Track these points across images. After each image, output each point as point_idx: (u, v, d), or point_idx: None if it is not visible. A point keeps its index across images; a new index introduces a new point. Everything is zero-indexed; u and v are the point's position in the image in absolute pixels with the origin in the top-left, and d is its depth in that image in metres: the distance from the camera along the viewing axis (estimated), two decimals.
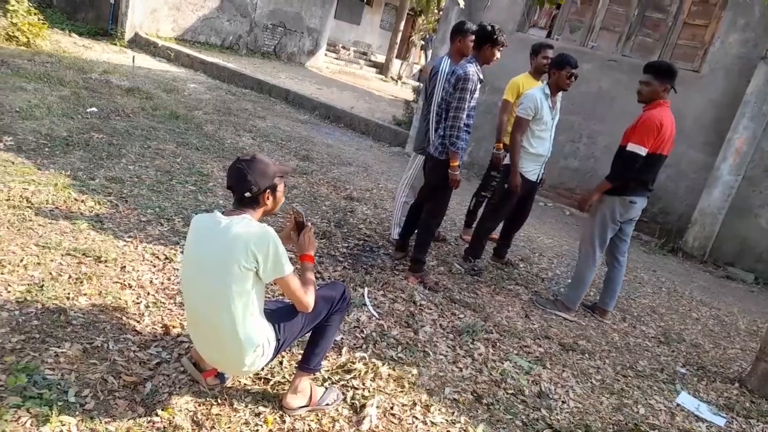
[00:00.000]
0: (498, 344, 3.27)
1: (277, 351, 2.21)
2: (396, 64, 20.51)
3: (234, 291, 1.99)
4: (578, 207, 4.06)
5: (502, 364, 3.07)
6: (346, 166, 6.73)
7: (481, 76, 3.76)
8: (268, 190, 2.13)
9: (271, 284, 2.40)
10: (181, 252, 3.44)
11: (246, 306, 2.03)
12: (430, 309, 3.53)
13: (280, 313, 2.24)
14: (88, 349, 2.39)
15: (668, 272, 5.83)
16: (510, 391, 2.83)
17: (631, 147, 3.62)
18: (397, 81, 19.63)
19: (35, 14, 9.03)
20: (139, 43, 11.63)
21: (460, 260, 4.49)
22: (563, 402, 2.86)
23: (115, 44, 11.21)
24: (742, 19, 6.34)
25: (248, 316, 2.05)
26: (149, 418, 2.12)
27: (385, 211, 5.33)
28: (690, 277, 5.89)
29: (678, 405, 3.10)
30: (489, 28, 3.72)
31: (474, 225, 5.19)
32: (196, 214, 4.01)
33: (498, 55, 3.82)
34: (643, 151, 3.60)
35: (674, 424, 2.91)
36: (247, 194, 2.08)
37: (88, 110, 5.94)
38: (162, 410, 2.15)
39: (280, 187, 2.20)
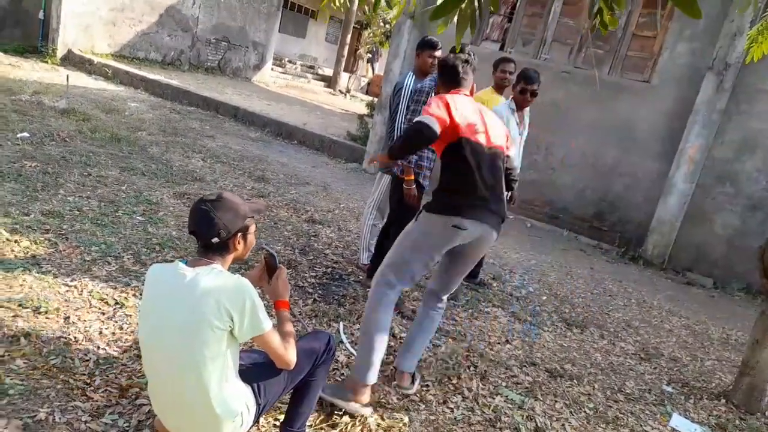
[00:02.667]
0: (486, 377, 3.09)
1: (258, 416, 1.93)
2: (344, 77, 20.37)
3: (206, 356, 1.70)
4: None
5: (494, 399, 2.89)
6: (304, 186, 6.45)
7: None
8: (238, 234, 1.86)
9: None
10: (134, 295, 3.09)
11: (221, 371, 1.75)
12: None
13: (257, 370, 1.96)
14: (30, 425, 2.03)
15: (633, 281, 5.86)
16: (506, 431, 2.64)
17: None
18: (345, 94, 19.47)
19: None
20: (72, 61, 10.95)
21: None
22: None
23: (47, 62, 10.51)
24: (687, 29, 6.51)
25: (224, 382, 1.76)
26: None
27: (349, 233, 5.09)
28: (654, 285, 5.93)
29: (673, 429, 3.00)
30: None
31: None
32: (146, 248, 3.70)
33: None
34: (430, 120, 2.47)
35: None
36: (215, 240, 1.80)
37: (18, 136, 5.42)
38: None
39: (252, 229, 1.94)
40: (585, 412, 2.99)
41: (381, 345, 2.55)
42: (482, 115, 2.66)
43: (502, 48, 7.83)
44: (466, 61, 2.78)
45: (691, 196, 6.47)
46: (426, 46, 3.90)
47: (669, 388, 3.49)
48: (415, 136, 2.49)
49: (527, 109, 4.11)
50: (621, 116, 6.91)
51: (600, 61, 7.17)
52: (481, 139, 2.56)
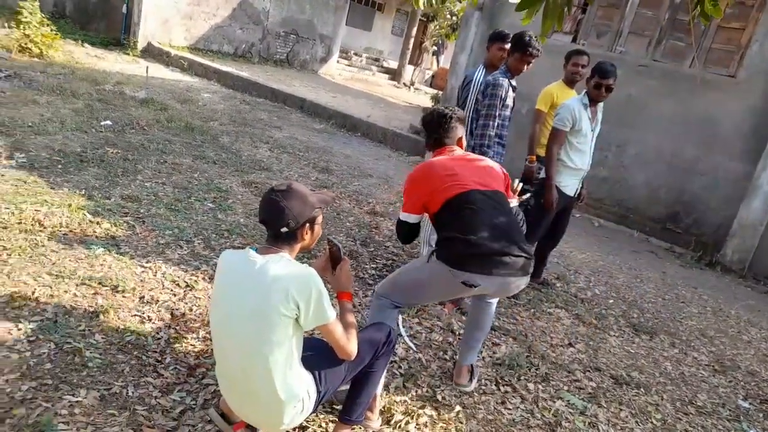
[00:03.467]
0: (547, 379, 3.01)
1: (318, 403, 1.97)
2: (408, 70, 20.30)
3: (273, 342, 1.75)
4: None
5: (554, 403, 2.81)
6: (367, 178, 6.49)
7: (514, 84, 3.55)
8: (306, 224, 1.89)
9: None
10: (203, 279, 3.22)
11: (286, 357, 1.79)
12: None
13: (318, 358, 1.99)
14: (106, 397, 2.16)
15: (709, 288, 5.53)
16: None
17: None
18: (410, 87, 19.41)
19: (48, 25, 8.89)
20: (152, 53, 11.50)
21: None
22: None
23: (128, 54, 11.08)
24: None
25: (288, 368, 1.80)
26: None
27: None
28: (732, 293, 5.57)
29: None
30: (526, 37, 3.53)
31: None
32: (216, 234, 3.84)
33: (525, 67, 3.63)
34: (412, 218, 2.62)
35: None
36: (284, 229, 1.84)
37: (102, 123, 5.76)
38: None
39: (319, 220, 1.97)
40: (652, 422, 2.85)
41: None
42: (469, 164, 2.51)
43: (574, 40, 7.55)
44: (446, 116, 2.59)
45: None
46: (497, 38, 3.80)
47: (746, 404, 3.27)
48: (401, 236, 2.65)
49: (600, 104, 3.94)
50: (702, 112, 6.50)
51: (681, 55, 6.78)
52: (472, 186, 2.40)
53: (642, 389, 3.15)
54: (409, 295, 2.55)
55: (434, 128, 2.63)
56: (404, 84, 19.59)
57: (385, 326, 2.18)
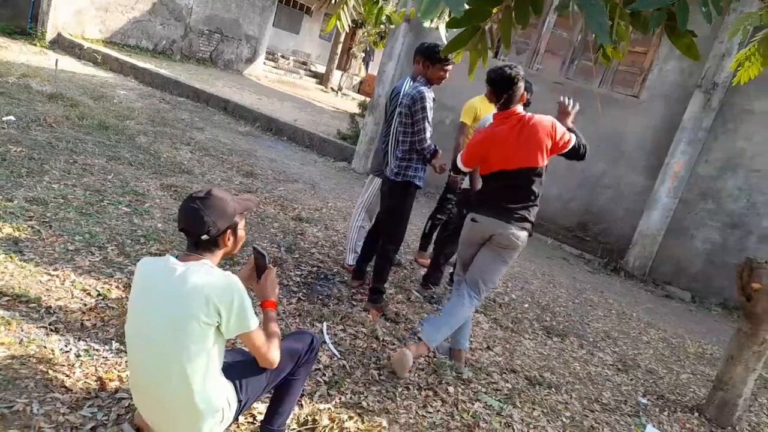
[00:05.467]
0: (466, 382, 3.11)
1: (239, 413, 1.93)
2: (336, 75, 20.32)
3: (192, 350, 1.71)
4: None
5: (473, 405, 2.91)
6: (293, 183, 6.44)
7: (433, 96, 3.65)
8: (228, 230, 1.86)
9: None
10: (117, 287, 3.07)
11: (206, 367, 1.75)
12: (394, 344, 3.32)
13: (239, 367, 1.96)
14: (7, 416, 2.01)
15: (614, 293, 5.94)
16: None
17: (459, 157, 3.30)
18: (337, 92, 19.43)
19: None
20: (62, 45, 10.79)
21: (419, 287, 4.32)
22: None
23: (35, 45, 10.34)
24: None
25: (207, 378, 1.76)
26: None
27: (336, 233, 5.09)
28: (634, 297, 6.02)
29: None
30: (431, 46, 3.64)
31: (429, 248, 5.08)
32: (131, 240, 3.67)
33: (443, 74, 3.73)
34: (463, 167, 3.27)
35: None
36: (204, 237, 1.80)
37: (4, 119, 5.34)
38: None
39: (241, 225, 1.94)
40: (562, 420, 3.03)
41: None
42: (519, 139, 2.98)
43: (495, 56, 7.88)
44: (514, 80, 2.97)
45: (673, 211, 6.58)
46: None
47: (644, 400, 3.55)
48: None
49: None
50: (609, 129, 6.99)
51: (591, 74, 7.26)
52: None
53: (553, 389, 3.34)
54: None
55: (502, 90, 2.99)
56: (332, 89, 19.58)
57: (307, 334, 2.18)
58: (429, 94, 3.53)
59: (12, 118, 5.43)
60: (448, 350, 3.35)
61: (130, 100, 8.13)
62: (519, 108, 3.05)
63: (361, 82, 22.41)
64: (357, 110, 12.61)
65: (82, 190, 4.22)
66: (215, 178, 5.62)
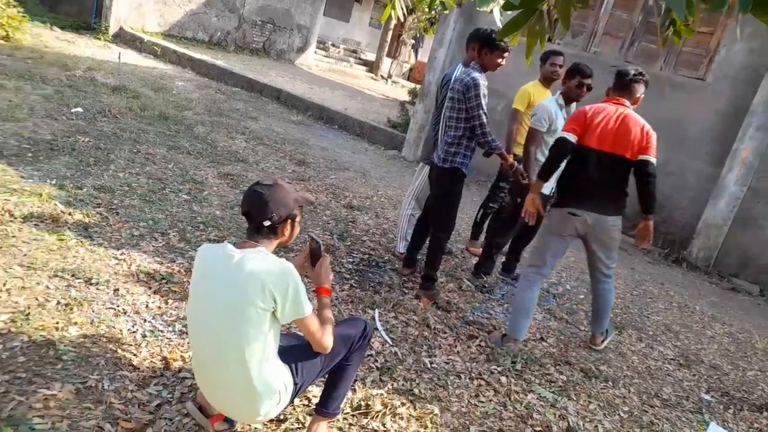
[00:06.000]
0: (520, 373, 3.08)
1: (294, 396, 1.99)
2: (386, 62, 20.28)
3: (250, 335, 1.76)
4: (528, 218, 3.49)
5: (526, 396, 2.88)
6: (344, 171, 6.50)
7: (486, 82, 3.57)
8: (288, 220, 1.91)
9: None
10: (179, 271, 3.19)
11: (262, 351, 1.80)
12: (445, 333, 3.32)
13: (295, 351, 2.01)
14: (81, 390, 2.14)
15: (675, 285, 5.70)
16: (538, 428, 2.64)
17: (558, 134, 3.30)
18: (387, 80, 19.40)
19: (15, 7, 8.61)
20: (123, 38, 11.24)
21: (470, 276, 4.29)
22: None
23: (99, 39, 10.82)
24: (748, 27, 6.22)
25: (264, 361, 1.82)
26: None
27: (387, 221, 5.11)
28: (697, 289, 5.76)
29: None
30: (488, 32, 3.55)
31: (480, 237, 5.02)
32: (191, 227, 3.81)
33: (501, 61, 3.64)
34: (569, 136, 3.13)
35: None
36: (266, 223, 1.85)
37: (72, 110, 5.62)
38: None
39: (299, 218, 1.98)
40: (619, 414, 2.95)
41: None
42: (617, 128, 3.12)
43: (549, 39, 7.65)
44: (639, 78, 3.27)
45: (741, 200, 6.22)
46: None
47: (708, 397, 3.41)
48: (554, 153, 3.25)
49: (574, 104, 4.02)
50: (672, 114, 6.66)
51: (653, 57, 6.94)
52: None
53: (610, 382, 3.26)
54: (542, 250, 3.43)
55: (622, 80, 3.28)
56: (381, 76, 19.57)
57: (360, 321, 2.21)
58: (483, 81, 3.48)
59: (80, 109, 5.71)
60: (500, 338, 3.33)
61: (187, 91, 8.39)
62: (628, 104, 3.22)
63: (410, 70, 22.27)
64: (407, 98, 12.55)
65: (146, 178, 4.40)
66: (269, 167, 5.74)
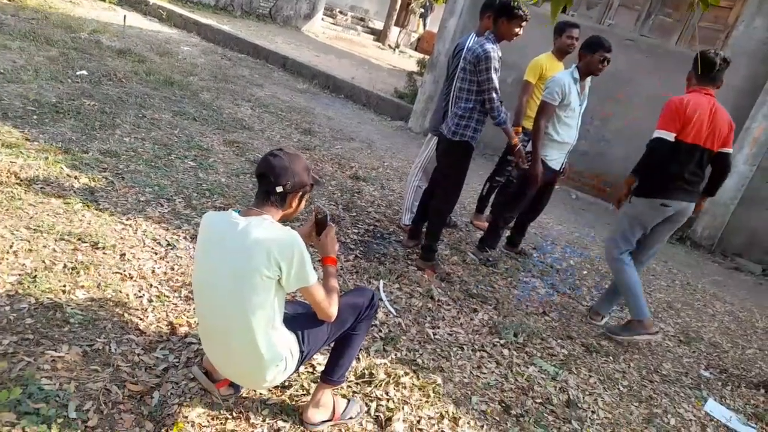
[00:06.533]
0: (521, 346, 3.10)
1: (300, 363, 2.01)
2: (394, 31, 19.90)
3: (255, 302, 1.77)
4: (614, 204, 3.65)
5: (528, 368, 2.91)
6: (349, 142, 6.45)
7: (500, 54, 3.50)
8: (299, 192, 1.90)
9: None
10: (185, 238, 3.20)
11: (268, 318, 1.81)
12: (449, 305, 3.34)
13: (302, 319, 2.03)
14: (89, 353, 2.17)
15: (679, 263, 5.70)
16: (538, 400, 2.67)
17: (655, 133, 3.23)
18: (395, 49, 19.08)
19: None
20: (129, 1, 11.04)
21: (474, 249, 4.29)
22: (593, 412, 2.71)
23: (104, 1, 10.62)
24: (767, 3, 6.07)
25: (270, 328, 1.83)
26: None
27: (392, 193, 5.09)
28: (701, 268, 5.76)
29: (706, 414, 2.97)
30: (505, 1, 3.44)
31: (485, 211, 5.01)
32: (197, 193, 3.80)
33: (518, 30, 3.55)
34: (668, 136, 3.15)
35: None
36: (279, 189, 1.83)
37: (77, 73, 5.57)
38: (172, 425, 1.95)
39: (308, 195, 1.98)
40: (618, 389, 2.98)
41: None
42: (713, 119, 3.18)
43: (563, 11, 7.48)
44: (726, 64, 3.23)
45: (750, 179, 6.17)
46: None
47: (707, 373, 3.44)
48: (652, 156, 3.26)
49: (588, 79, 3.95)
50: (684, 90, 6.55)
51: (669, 31, 6.79)
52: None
53: (611, 357, 3.29)
54: (627, 237, 3.49)
55: (711, 70, 3.22)
56: (389, 46, 19.24)
57: (368, 291, 2.22)
58: (495, 53, 3.40)
59: (85, 72, 5.65)
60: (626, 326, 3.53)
61: (193, 56, 8.28)
62: (714, 93, 3.25)
63: (419, 39, 21.87)
64: (415, 68, 12.36)
65: (151, 143, 4.38)
66: (274, 135, 5.70)
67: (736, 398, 3.24)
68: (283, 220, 1.95)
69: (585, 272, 4.63)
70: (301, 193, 1.90)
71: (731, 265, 6.18)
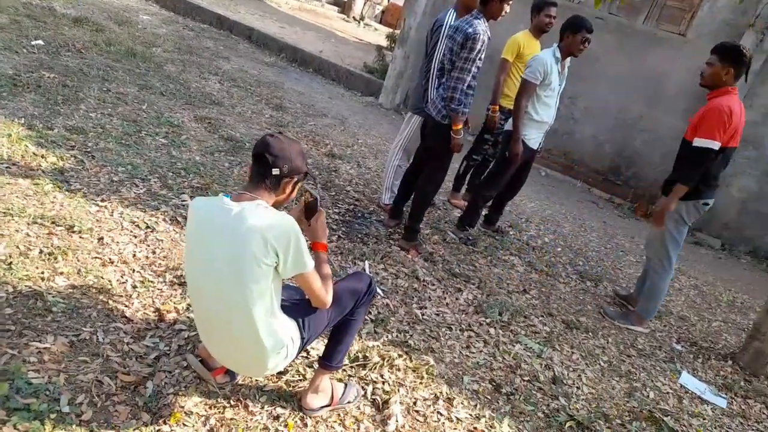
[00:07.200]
0: (506, 324, 3.16)
1: (301, 349, 1.98)
2: (359, 3, 19.52)
3: (254, 291, 1.71)
4: (654, 222, 3.51)
5: (514, 347, 2.97)
6: (322, 118, 6.33)
7: (489, 34, 3.46)
8: (294, 178, 1.83)
9: None
10: (164, 220, 3.09)
11: (267, 306, 1.76)
12: (434, 285, 3.36)
13: (302, 306, 1.98)
14: (75, 343, 2.08)
15: (644, 238, 5.88)
16: (526, 378, 2.74)
17: (701, 142, 3.16)
18: (359, 22, 18.74)
19: None
20: None
21: (454, 228, 4.31)
22: (578, 388, 2.80)
23: None
24: None
25: (270, 316, 1.79)
26: (156, 427, 1.86)
27: (369, 171, 5.05)
28: None
29: (681, 386, 3.11)
30: None
31: (462, 189, 5.03)
32: (172, 173, 3.66)
33: (507, 9, 3.51)
34: (715, 145, 3.13)
35: (683, 408, 2.91)
36: (275, 171, 1.76)
37: (33, 43, 5.23)
38: (170, 416, 1.90)
39: (301, 183, 1.91)
40: (600, 364, 3.08)
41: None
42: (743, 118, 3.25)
43: None
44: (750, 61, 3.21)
45: None
46: None
47: (678, 347, 3.59)
48: (701, 165, 3.24)
49: (569, 58, 3.97)
50: (651, 69, 6.70)
51: (636, 10, 6.89)
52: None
53: (590, 333, 3.39)
54: (677, 242, 3.53)
55: (742, 68, 3.18)
56: (354, 18, 18.89)
57: (366, 276, 2.20)
58: (484, 35, 3.33)
59: (41, 42, 5.32)
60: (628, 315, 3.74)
61: (153, 26, 7.91)
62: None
63: (383, 12, 21.55)
64: (384, 43, 12.18)
65: (119, 119, 4.18)
66: (245, 111, 5.53)
67: (707, 370, 3.40)
68: (275, 206, 1.89)
69: (559, 249, 4.73)
70: (296, 179, 1.83)
71: (692, 239, 6.43)
